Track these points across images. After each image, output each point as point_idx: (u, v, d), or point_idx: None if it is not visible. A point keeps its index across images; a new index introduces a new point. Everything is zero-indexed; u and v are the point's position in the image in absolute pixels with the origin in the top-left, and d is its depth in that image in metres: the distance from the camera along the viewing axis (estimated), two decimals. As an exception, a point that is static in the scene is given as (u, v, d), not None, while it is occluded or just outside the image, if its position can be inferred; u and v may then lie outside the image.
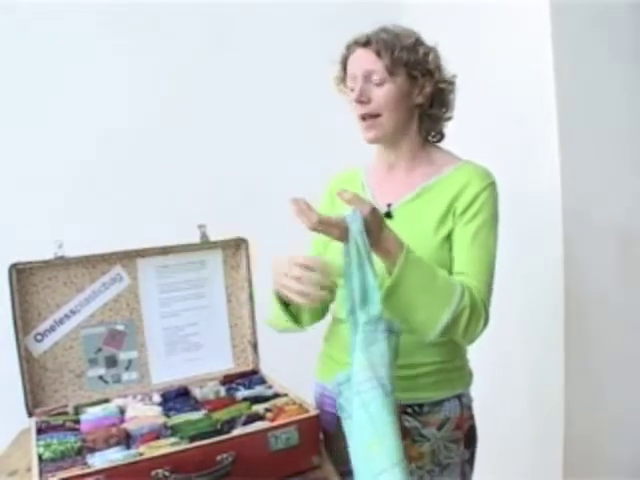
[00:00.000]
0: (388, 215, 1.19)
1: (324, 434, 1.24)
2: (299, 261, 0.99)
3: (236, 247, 1.50)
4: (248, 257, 1.48)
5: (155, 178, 2.02)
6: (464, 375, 1.25)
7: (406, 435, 1.12)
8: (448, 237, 1.15)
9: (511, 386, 1.84)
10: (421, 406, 1.17)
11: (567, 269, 1.60)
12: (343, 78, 1.24)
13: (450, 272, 1.13)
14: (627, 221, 1.67)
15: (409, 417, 1.17)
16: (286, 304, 1.16)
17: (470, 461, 1.25)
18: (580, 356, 1.63)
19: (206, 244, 1.46)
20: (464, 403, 1.23)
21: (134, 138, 2.00)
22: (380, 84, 1.16)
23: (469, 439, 1.24)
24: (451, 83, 1.23)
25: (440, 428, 1.18)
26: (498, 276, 1.16)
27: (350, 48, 1.20)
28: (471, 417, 1.25)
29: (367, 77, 1.16)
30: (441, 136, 1.29)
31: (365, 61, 1.16)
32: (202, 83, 2.07)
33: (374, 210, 0.98)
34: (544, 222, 1.65)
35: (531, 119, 1.67)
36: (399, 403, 1.02)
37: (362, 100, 1.16)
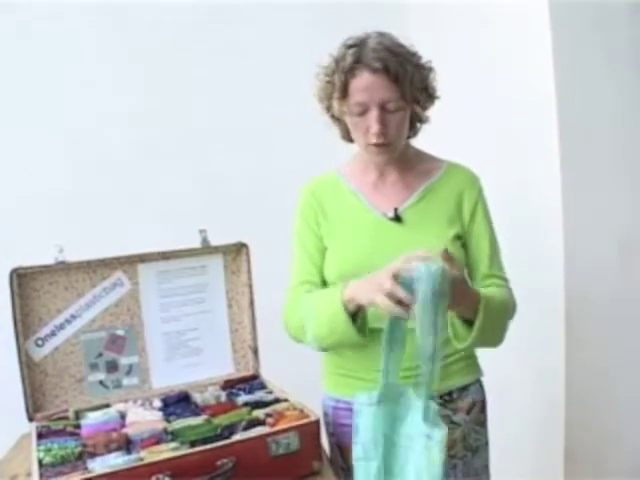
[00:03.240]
0: (398, 219, 1.18)
1: (340, 448, 1.24)
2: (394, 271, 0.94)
3: (237, 252, 1.50)
4: (249, 262, 1.48)
5: (156, 183, 2.02)
6: (478, 361, 1.30)
7: None
8: (457, 236, 1.19)
9: (511, 386, 1.84)
10: (450, 394, 1.22)
11: (567, 270, 1.61)
12: (342, 98, 1.12)
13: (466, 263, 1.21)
14: (628, 225, 1.68)
15: (441, 406, 1.18)
16: (354, 316, 1.08)
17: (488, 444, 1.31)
18: (581, 356, 1.64)
19: (207, 249, 1.47)
20: (483, 387, 1.29)
21: (135, 142, 2.00)
22: (395, 111, 1.10)
23: (486, 423, 1.29)
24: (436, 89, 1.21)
25: (469, 412, 1.23)
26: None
27: (354, 70, 1.09)
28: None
29: (382, 106, 1.09)
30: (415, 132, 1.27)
31: (382, 90, 1.08)
32: (203, 85, 2.07)
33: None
34: (544, 223, 1.66)
35: (531, 119, 1.68)
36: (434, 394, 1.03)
37: (384, 132, 1.10)
